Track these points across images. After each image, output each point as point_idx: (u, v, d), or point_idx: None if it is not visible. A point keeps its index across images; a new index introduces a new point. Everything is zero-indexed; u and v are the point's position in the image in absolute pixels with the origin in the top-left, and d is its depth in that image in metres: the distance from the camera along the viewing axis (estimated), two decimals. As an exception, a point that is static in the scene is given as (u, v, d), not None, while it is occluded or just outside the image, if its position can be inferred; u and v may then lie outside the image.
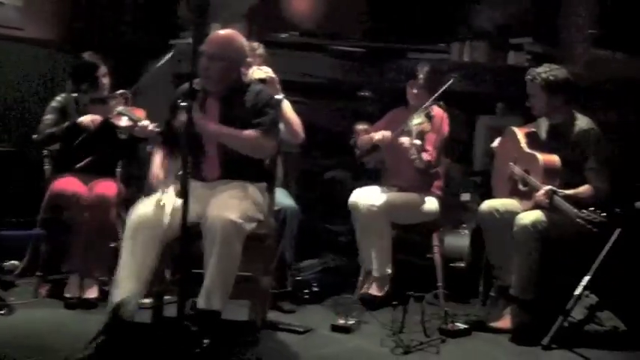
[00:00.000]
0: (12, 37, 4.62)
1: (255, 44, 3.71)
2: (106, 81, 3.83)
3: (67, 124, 3.65)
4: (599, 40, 4.46)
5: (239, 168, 3.05)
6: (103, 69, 3.82)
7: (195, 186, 2.92)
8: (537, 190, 3.23)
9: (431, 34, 4.87)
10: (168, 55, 3.29)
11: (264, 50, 3.74)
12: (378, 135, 3.80)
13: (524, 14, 4.82)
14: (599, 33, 4.45)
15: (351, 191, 3.85)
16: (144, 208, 2.91)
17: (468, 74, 4.65)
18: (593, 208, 3.00)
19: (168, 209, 2.81)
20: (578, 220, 3.00)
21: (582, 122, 3.40)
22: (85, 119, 3.62)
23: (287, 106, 3.58)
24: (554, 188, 3.18)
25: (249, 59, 3.52)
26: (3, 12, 4.61)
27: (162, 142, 3.23)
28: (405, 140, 3.56)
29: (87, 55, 3.88)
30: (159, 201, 2.89)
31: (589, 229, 2.98)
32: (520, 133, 3.52)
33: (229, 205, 2.84)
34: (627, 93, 4.20)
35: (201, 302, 2.81)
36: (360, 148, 3.93)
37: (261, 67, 3.54)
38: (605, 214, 2.98)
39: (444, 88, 3.71)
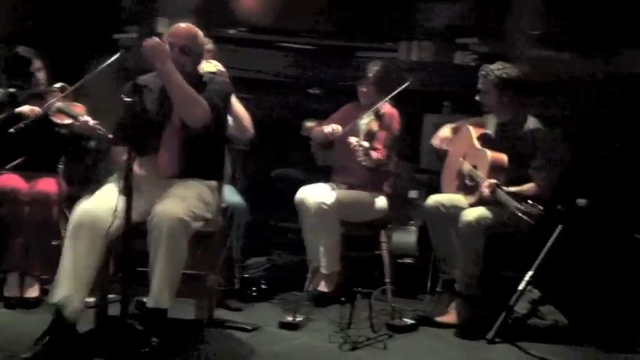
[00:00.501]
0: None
1: (205, 39, 3.67)
2: (41, 75, 3.72)
3: (3, 115, 3.53)
4: (543, 40, 4.57)
5: (192, 165, 3.00)
6: (37, 63, 3.71)
7: (142, 183, 2.87)
8: (482, 184, 3.29)
9: (379, 33, 4.90)
10: (115, 56, 3.27)
11: (213, 45, 3.70)
12: (328, 128, 3.79)
13: (470, 14, 4.90)
14: (543, 33, 4.57)
15: (299, 188, 3.84)
16: (88, 204, 2.84)
17: (415, 73, 4.70)
18: (531, 202, 3.08)
19: (114, 206, 2.73)
20: (516, 211, 3.08)
21: (531, 122, 3.49)
22: (24, 108, 3.51)
23: (236, 101, 3.55)
24: (498, 182, 3.25)
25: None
26: None
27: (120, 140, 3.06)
28: (352, 140, 3.56)
29: (20, 49, 3.75)
30: (104, 198, 2.82)
31: (527, 221, 3.06)
32: (474, 131, 3.59)
33: (176, 203, 2.79)
34: (570, 91, 4.32)
35: (150, 301, 2.77)
36: (314, 140, 3.92)
37: (211, 61, 3.51)
38: (542, 207, 3.06)
39: (398, 90, 3.74)
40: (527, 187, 3.37)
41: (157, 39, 2.87)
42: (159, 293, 2.74)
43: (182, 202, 2.80)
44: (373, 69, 3.84)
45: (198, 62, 3.13)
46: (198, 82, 3.07)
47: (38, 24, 4.65)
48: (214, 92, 3.02)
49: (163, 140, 3.00)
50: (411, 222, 4.11)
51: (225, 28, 4.83)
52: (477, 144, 3.52)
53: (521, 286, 3.25)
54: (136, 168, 2.90)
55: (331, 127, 3.77)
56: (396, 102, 3.84)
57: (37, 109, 3.52)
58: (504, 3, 4.80)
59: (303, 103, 4.77)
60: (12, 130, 3.40)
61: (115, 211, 2.64)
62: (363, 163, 3.55)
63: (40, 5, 4.67)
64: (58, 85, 3.59)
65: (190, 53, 3.01)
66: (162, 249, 2.72)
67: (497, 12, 4.83)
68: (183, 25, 3.10)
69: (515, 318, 3.29)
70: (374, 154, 3.58)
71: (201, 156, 3.03)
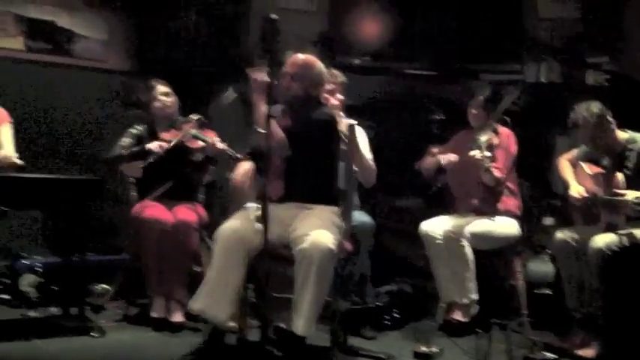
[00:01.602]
0: (96, 68, 4.85)
1: (336, 72, 3.78)
2: (169, 100, 3.92)
3: (135, 148, 3.77)
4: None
5: (319, 191, 3.10)
6: (160, 88, 3.91)
7: (275, 208, 2.97)
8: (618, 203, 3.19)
9: (503, 55, 4.83)
10: (230, 91, 3.57)
11: (344, 78, 3.80)
12: (444, 159, 3.78)
13: (598, 32, 4.74)
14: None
15: (422, 217, 3.83)
16: (233, 223, 2.96)
17: (544, 94, 4.59)
18: None
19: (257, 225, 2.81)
20: None
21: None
22: (153, 144, 3.73)
23: (365, 150, 3.56)
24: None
25: (331, 86, 3.64)
26: (88, 45, 4.83)
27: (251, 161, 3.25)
28: (475, 152, 3.53)
29: (152, 82, 3.98)
30: (248, 216, 2.92)
31: None
32: (587, 168, 3.54)
33: (323, 232, 2.85)
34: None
35: (297, 328, 2.82)
36: (424, 171, 3.93)
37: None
38: None
39: (507, 101, 3.70)
40: None
41: (263, 73, 2.87)
42: (308, 321, 2.80)
43: (329, 232, 2.87)
44: (483, 92, 3.83)
45: (309, 88, 3.17)
46: (309, 106, 3.15)
47: (167, 55, 4.94)
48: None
49: (292, 168, 3.10)
50: (547, 250, 3.98)
51: (349, 56, 4.92)
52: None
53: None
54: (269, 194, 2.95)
55: (447, 157, 3.77)
56: (523, 124, 3.76)
57: (164, 144, 3.73)
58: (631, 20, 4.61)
59: (426, 129, 4.75)
60: (141, 165, 3.66)
61: (265, 229, 2.66)
62: (486, 177, 3.50)
63: (168, 37, 4.96)
64: (195, 116, 3.81)
65: (299, 80, 3.12)
66: (312, 278, 2.78)
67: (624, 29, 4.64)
68: (300, 55, 3.23)
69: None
70: (495, 171, 3.52)
71: (329, 183, 3.13)
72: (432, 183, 3.98)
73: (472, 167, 3.61)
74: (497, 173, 3.55)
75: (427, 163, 3.92)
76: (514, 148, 3.75)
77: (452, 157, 3.78)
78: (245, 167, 3.21)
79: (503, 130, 3.74)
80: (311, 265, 2.78)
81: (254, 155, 3.18)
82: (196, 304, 2.91)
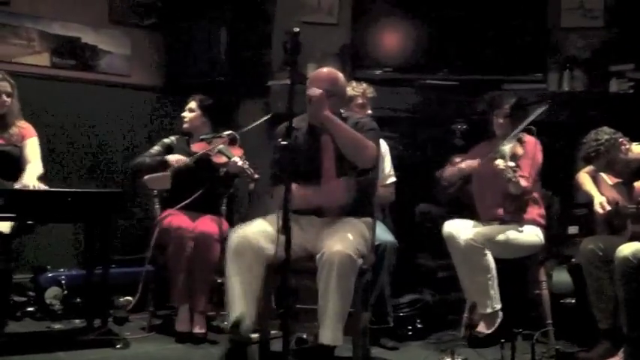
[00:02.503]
0: (120, 83, 4.93)
1: (365, 85, 3.80)
2: (189, 116, 4.01)
3: (158, 158, 3.88)
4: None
5: (349, 203, 3.07)
6: (188, 104, 4.04)
7: (301, 220, 2.97)
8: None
9: (526, 65, 4.79)
10: (264, 118, 3.73)
11: (374, 93, 3.81)
12: (464, 165, 3.77)
13: (623, 39, 4.69)
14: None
15: (442, 225, 3.80)
16: (240, 230, 2.98)
17: (567, 104, 4.56)
18: None
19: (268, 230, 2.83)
20: None
21: None
22: (171, 158, 3.84)
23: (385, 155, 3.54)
24: None
25: (362, 100, 3.72)
26: (113, 60, 4.91)
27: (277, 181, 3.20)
28: (499, 162, 3.50)
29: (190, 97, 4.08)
30: (257, 224, 2.94)
31: None
32: (608, 179, 3.52)
33: (345, 240, 2.86)
34: None
35: (323, 338, 2.82)
36: (447, 181, 3.91)
37: None
38: None
39: (537, 113, 3.65)
40: None
41: (319, 90, 3.00)
42: (334, 330, 2.80)
43: (349, 240, 2.87)
44: (509, 100, 3.80)
45: (341, 103, 3.22)
46: (344, 122, 3.15)
47: (190, 70, 4.98)
48: (372, 134, 3.10)
49: (321, 179, 3.08)
50: (572, 260, 3.92)
51: (368, 69, 4.93)
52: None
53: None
54: (295, 205, 2.92)
55: (468, 163, 3.75)
56: (546, 132, 3.73)
57: (182, 159, 3.82)
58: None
59: (447, 139, 4.73)
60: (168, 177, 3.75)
61: (277, 239, 2.66)
62: (510, 186, 3.47)
63: (192, 52, 5.01)
64: (227, 132, 3.88)
65: (332, 95, 3.11)
66: (334, 286, 2.78)
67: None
68: (324, 69, 3.24)
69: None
70: (521, 181, 3.48)
71: (357, 194, 3.10)
72: (455, 192, 3.95)
73: (495, 176, 3.58)
74: (523, 182, 3.51)
75: (448, 173, 3.89)
76: (540, 157, 3.72)
77: (473, 162, 3.75)
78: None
79: (529, 139, 3.71)
80: (331, 272, 2.78)
81: (276, 177, 3.18)
82: (231, 319, 2.89)
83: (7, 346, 3.23)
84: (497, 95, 3.96)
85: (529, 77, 4.75)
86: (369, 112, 3.74)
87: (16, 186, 3.55)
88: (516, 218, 3.69)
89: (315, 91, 3.01)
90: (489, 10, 4.81)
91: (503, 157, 3.52)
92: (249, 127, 3.85)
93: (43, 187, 3.58)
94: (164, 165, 3.84)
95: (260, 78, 4.94)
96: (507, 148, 3.54)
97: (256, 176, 3.57)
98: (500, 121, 3.80)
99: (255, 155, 3.83)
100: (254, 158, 3.75)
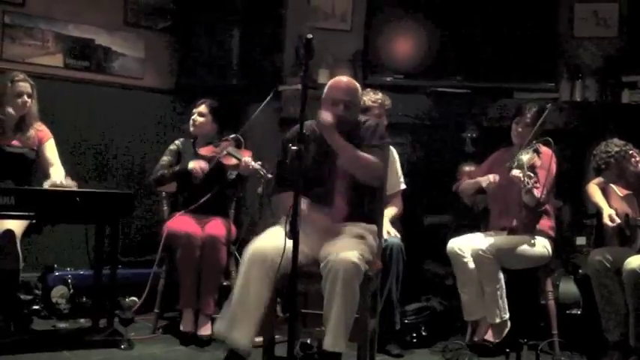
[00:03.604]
0: (133, 85, 4.97)
1: (382, 96, 3.81)
2: (199, 120, 4.00)
3: (177, 168, 3.87)
4: None
5: (357, 210, 3.08)
6: (197, 108, 4.02)
7: (309, 226, 2.96)
8: None
9: (537, 74, 4.78)
10: (269, 98, 3.69)
11: (390, 102, 3.82)
12: (485, 181, 3.73)
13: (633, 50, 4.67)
14: None
15: (453, 234, 3.79)
16: (258, 243, 2.96)
17: (580, 113, 4.54)
18: None
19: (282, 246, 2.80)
20: None
21: None
22: (195, 167, 3.79)
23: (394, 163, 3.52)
24: None
25: (379, 111, 3.74)
26: (126, 63, 4.95)
27: (279, 184, 3.23)
28: (516, 172, 3.45)
29: (199, 102, 4.08)
30: (274, 238, 2.91)
31: None
32: (618, 190, 3.51)
33: (349, 247, 2.86)
34: None
35: (327, 344, 2.81)
36: (463, 194, 3.89)
37: None
38: None
39: (541, 119, 3.64)
40: None
41: (330, 117, 2.97)
42: (336, 336, 2.79)
43: (355, 247, 2.86)
44: (532, 110, 3.76)
45: (358, 113, 3.23)
46: (358, 128, 3.16)
47: (203, 73, 5.01)
48: (379, 153, 3.10)
49: (329, 186, 3.10)
50: (580, 270, 3.89)
51: (380, 75, 4.93)
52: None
53: None
54: (304, 211, 2.91)
55: (487, 178, 3.71)
56: (556, 143, 3.69)
57: (205, 166, 3.79)
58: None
59: (458, 147, 4.72)
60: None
61: (283, 252, 2.67)
62: (526, 197, 3.43)
63: (204, 55, 5.03)
64: (233, 135, 3.89)
65: (352, 107, 3.13)
66: (338, 293, 2.77)
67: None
68: (344, 79, 3.22)
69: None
70: (536, 192, 3.46)
71: (364, 201, 3.11)
72: (473, 205, 3.93)
73: (511, 186, 3.55)
74: (537, 194, 3.47)
75: (466, 186, 3.87)
76: (554, 168, 3.69)
77: (492, 177, 3.72)
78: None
79: (546, 151, 3.67)
80: (336, 279, 2.77)
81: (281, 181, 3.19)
82: (219, 326, 2.90)
83: (12, 344, 3.25)
84: (522, 104, 3.91)
85: (541, 86, 4.73)
86: (385, 122, 3.73)
87: (46, 185, 3.56)
88: (527, 229, 3.66)
89: (327, 117, 2.99)
90: (502, 17, 4.80)
91: (520, 167, 3.48)
92: (256, 112, 3.85)
93: (75, 185, 3.57)
94: (185, 174, 3.83)
95: (271, 82, 4.95)
96: (525, 158, 3.50)
97: (269, 176, 3.56)
98: (520, 129, 3.77)
99: (262, 155, 3.84)
100: (262, 160, 3.76)
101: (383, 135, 3.17)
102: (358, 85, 3.23)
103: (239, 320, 2.85)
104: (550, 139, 3.62)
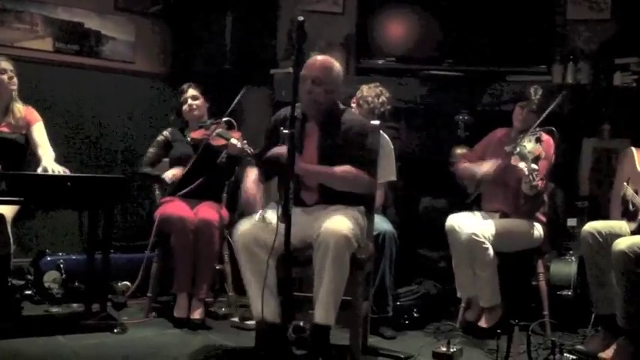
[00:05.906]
0: (124, 70, 4.93)
1: (382, 90, 3.80)
2: (196, 103, 4.00)
3: (155, 174, 3.91)
4: None
5: (338, 192, 3.08)
6: (189, 92, 4.01)
7: (295, 211, 2.96)
8: None
9: (530, 57, 4.76)
10: (243, 91, 3.79)
11: (387, 104, 3.81)
12: (481, 172, 3.70)
13: (628, 32, 4.66)
14: None
15: (446, 218, 3.78)
16: (243, 225, 2.98)
17: (571, 96, 4.53)
18: None
19: (273, 228, 2.78)
20: None
21: None
22: (167, 175, 3.85)
23: (388, 151, 3.50)
24: None
25: (379, 109, 3.72)
26: (116, 47, 4.92)
27: (257, 164, 3.26)
28: (522, 166, 3.42)
29: (184, 86, 4.07)
30: (262, 220, 2.95)
31: None
32: (637, 155, 3.38)
33: (340, 222, 2.87)
34: None
35: (317, 316, 2.83)
36: (461, 180, 3.90)
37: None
38: None
39: (552, 106, 3.60)
40: None
41: (282, 150, 2.82)
42: (327, 310, 2.81)
43: (344, 222, 2.87)
44: (538, 93, 3.72)
45: (331, 92, 3.12)
46: (332, 113, 3.13)
47: (194, 57, 5.01)
48: (367, 156, 3.10)
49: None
50: (570, 252, 3.91)
51: (373, 59, 4.91)
52: (639, 167, 3.31)
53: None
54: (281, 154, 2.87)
55: (484, 170, 3.68)
56: (552, 126, 3.69)
57: (177, 174, 3.84)
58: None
59: (451, 131, 4.71)
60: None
61: (276, 235, 2.68)
62: (528, 188, 3.41)
63: (195, 39, 5.02)
64: (225, 118, 3.87)
65: (321, 84, 3.07)
66: (328, 264, 2.79)
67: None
68: (319, 57, 3.18)
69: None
70: (539, 183, 3.43)
71: None
72: (468, 190, 3.93)
73: (510, 172, 3.54)
74: (540, 185, 3.43)
75: (463, 171, 3.87)
76: (553, 157, 3.68)
77: (487, 167, 3.68)
78: (251, 177, 3.19)
79: (547, 140, 3.64)
80: (327, 251, 2.79)
81: (259, 157, 3.21)
82: (265, 313, 2.88)
83: (4, 330, 3.24)
84: (527, 86, 3.86)
85: (533, 69, 4.72)
86: (375, 122, 3.47)
87: (39, 170, 3.54)
88: (527, 216, 3.67)
89: (278, 151, 2.96)
90: (495, 0, 4.77)
91: (524, 157, 3.44)
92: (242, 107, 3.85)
93: (65, 170, 3.56)
94: (160, 180, 3.89)
95: (264, 66, 4.93)
96: (529, 147, 3.46)
97: (257, 152, 3.50)
98: (524, 114, 3.74)
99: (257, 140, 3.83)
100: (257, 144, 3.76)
101: (374, 142, 3.16)
102: (337, 65, 3.16)
103: (255, 300, 2.88)
104: (554, 128, 3.60)
